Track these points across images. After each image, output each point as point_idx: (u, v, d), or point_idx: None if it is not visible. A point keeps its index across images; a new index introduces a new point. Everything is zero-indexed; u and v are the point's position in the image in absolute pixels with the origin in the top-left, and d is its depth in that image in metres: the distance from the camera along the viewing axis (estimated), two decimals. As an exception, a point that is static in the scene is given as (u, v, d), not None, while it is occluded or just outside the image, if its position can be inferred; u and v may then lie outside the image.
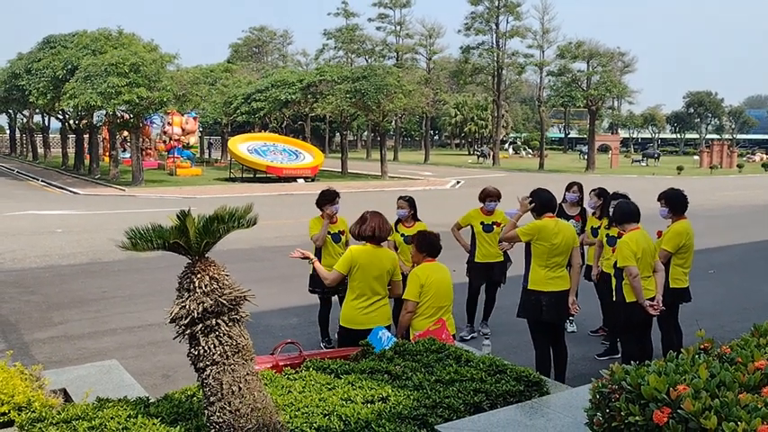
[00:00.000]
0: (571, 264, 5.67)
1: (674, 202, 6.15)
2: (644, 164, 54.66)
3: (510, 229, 5.76)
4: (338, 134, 68.07)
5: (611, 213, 6.66)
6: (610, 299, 5.95)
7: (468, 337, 7.34)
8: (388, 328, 5.03)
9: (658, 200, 6.21)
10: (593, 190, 7.66)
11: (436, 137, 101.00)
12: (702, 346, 3.24)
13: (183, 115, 36.63)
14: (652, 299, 5.54)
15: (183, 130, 37.18)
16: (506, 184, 31.58)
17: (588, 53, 44.00)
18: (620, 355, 6.88)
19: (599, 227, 7.28)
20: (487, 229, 7.46)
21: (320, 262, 6.92)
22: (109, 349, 7.04)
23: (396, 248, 7.07)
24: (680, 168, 42.84)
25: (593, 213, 7.56)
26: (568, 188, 7.83)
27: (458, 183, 33.60)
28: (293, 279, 10.62)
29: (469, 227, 7.56)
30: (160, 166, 37.99)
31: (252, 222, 2.96)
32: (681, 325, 6.40)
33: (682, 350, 3.17)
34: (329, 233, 6.76)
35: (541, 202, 5.65)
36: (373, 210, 5.31)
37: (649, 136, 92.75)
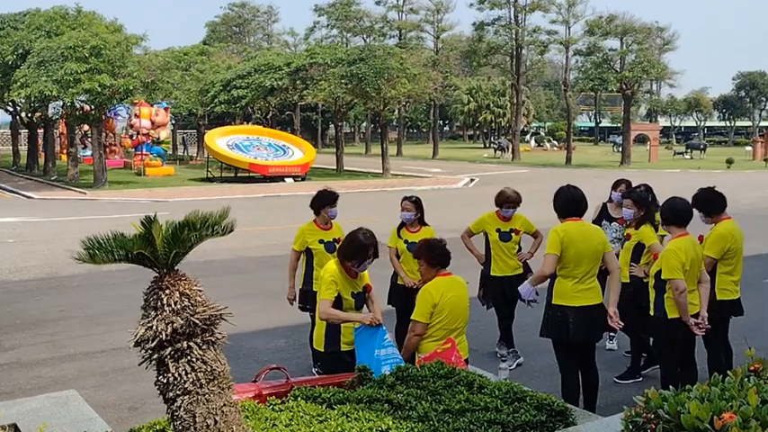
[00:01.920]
0: (608, 269, 5.67)
1: (705, 204, 6.16)
2: (688, 156, 54.65)
3: (539, 278, 5.66)
4: (332, 126, 68.08)
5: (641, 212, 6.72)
6: (648, 313, 5.95)
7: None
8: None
9: (692, 205, 6.19)
10: (638, 186, 7.65)
11: (446, 128, 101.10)
12: (753, 368, 3.24)
13: (152, 106, 36.68)
14: (696, 315, 5.55)
15: (153, 123, 37.24)
16: (528, 182, 31.68)
17: (622, 29, 44.08)
18: (640, 378, 6.91)
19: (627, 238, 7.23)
20: (505, 237, 7.37)
21: (312, 271, 6.93)
22: (67, 378, 7.04)
23: (398, 256, 7.08)
24: (729, 161, 42.80)
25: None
26: (615, 186, 7.86)
27: (471, 181, 33.62)
28: (280, 294, 10.54)
29: (483, 234, 7.52)
30: (126, 165, 38.06)
31: (228, 229, 2.97)
32: (731, 343, 6.40)
33: (728, 373, 3.17)
34: (322, 242, 6.75)
35: (563, 203, 5.65)
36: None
37: (694, 124, 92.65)
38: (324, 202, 6.82)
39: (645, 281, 6.69)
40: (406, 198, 7.17)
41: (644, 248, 6.85)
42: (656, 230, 6.91)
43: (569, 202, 5.65)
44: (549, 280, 5.64)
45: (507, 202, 7.34)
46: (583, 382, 5.76)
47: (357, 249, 5.17)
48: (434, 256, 5.14)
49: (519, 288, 5.84)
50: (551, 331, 5.65)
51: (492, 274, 7.39)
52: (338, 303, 5.11)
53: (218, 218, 2.97)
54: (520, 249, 7.52)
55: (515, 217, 7.45)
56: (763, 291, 10.43)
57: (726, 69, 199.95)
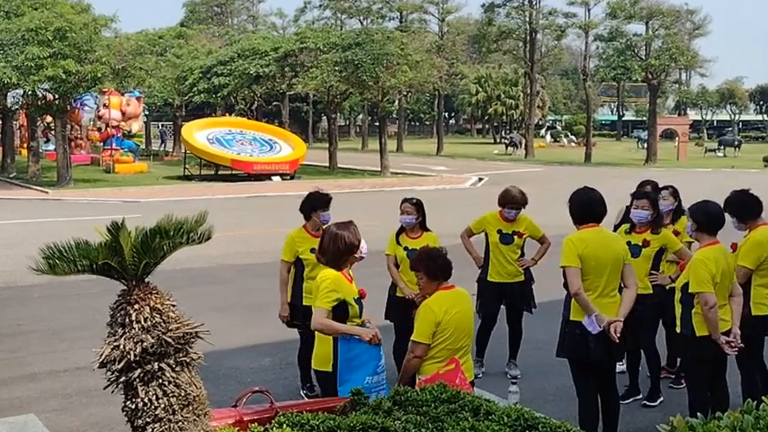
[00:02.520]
0: (625, 285, 5.66)
1: (739, 208, 6.15)
2: (720, 154, 54.76)
3: (584, 304, 5.46)
4: (325, 118, 68.13)
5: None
6: (674, 330, 5.95)
7: (480, 375, 7.33)
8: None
9: (724, 210, 6.19)
10: (665, 188, 7.65)
11: (452, 121, 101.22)
12: (791, 394, 3.24)
13: (123, 95, 36.67)
14: (728, 332, 5.54)
15: (124, 114, 37.20)
16: (543, 182, 31.71)
17: (647, 11, 44.17)
18: (641, 397, 6.92)
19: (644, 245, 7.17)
20: (506, 239, 7.42)
21: (301, 283, 6.93)
22: (26, 400, 7.02)
23: (397, 265, 7.07)
24: (767, 160, 42.85)
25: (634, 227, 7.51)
26: (641, 187, 7.78)
27: (480, 180, 33.66)
28: (264, 307, 10.59)
29: (484, 235, 7.58)
30: (94, 161, 38.05)
31: (205, 237, 2.97)
32: (767, 364, 6.40)
33: (764, 399, 3.17)
34: (314, 250, 6.68)
35: (579, 207, 5.64)
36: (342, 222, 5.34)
37: (727, 118, 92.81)
38: (315, 205, 6.75)
39: (668, 288, 6.72)
40: (406, 200, 7.15)
41: (662, 255, 6.87)
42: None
43: (585, 207, 5.64)
44: (566, 293, 5.64)
45: (511, 202, 7.39)
46: (603, 406, 5.75)
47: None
48: (435, 267, 5.10)
49: (584, 325, 5.48)
50: (569, 350, 5.65)
51: (489, 279, 7.47)
52: (342, 311, 5.06)
53: (194, 223, 2.97)
54: (523, 255, 7.59)
55: (520, 219, 7.50)
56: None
57: (763, 57, 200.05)
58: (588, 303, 5.41)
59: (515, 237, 7.42)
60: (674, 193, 7.57)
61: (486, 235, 7.52)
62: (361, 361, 5.01)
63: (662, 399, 6.91)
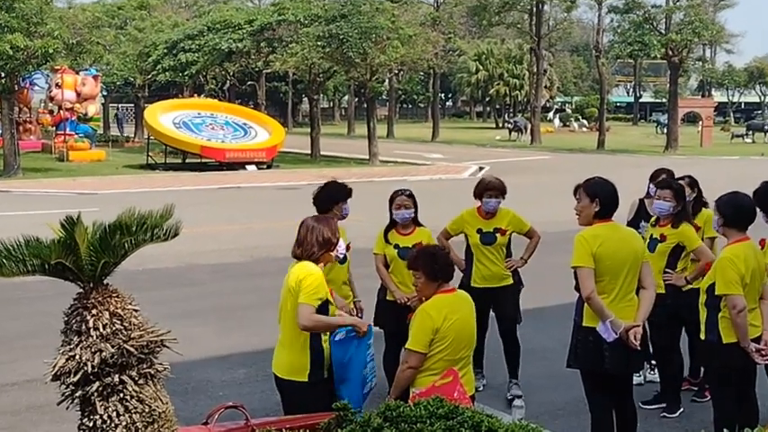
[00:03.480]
0: (643, 286, 5.68)
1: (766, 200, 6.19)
2: (749, 140, 55.02)
3: (599, 309, 5.44)
4: (306, 100, 67.97)
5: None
6: (698, 336, 5.98)
7: (481, 388, 7.30)
8: None
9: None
10: (681, 178, 7.68)
11: (449, 103, 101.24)
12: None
13: (78, 73, 36.50)
14: (758, 338, 5.58)
15: (79, 94, 37.02)
16: (551, 172, 31.81)
17: (668, -20, 44.22)
18: (667, 407, 6.96)
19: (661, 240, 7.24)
20: (487, 239, 7.31)
21: None
22: (-31, 418, 6.99)
23: (386, 265, 7.05)
24: (801, 146, 43.07)
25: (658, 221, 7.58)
26: (654, 177, 7.83)
27: (480, 170, 33.62)
28: (239, 312, 10.62)
29: (464, 238, 7.47)
30: (45, 148, 37.85)
31: (172, 233, 2.96)
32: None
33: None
34: (344, 254, 6.63)
35: (605, 200, 5.56)
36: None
37: (757, 100, 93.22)
38: (337, 197, 6.56)
39: (683, 290, 6.80)
40: (401, 192, 7.05)
41: (681, 252, 6.91)
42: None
43: (610, 199, 5.60)
44: (577, 296, 5.65)
45: (488, 188, 7.27)
46: (618, 422, 5.78)
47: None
48: (437, 267, 5.11)
49: (598, 331, 5.49)
50: (582, 361, 5.66)
51: (472, 284, 7.27)
52: (324, 311, 5.13)
53: (158, 218, 2.96)
54: (510, 254, 7.48)
55: (501, 213, 7.39)
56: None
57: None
58: (603, 308, 5.40)
59: (497, 235, 7.29)
60: (692, 184, 7.59)
61: (466, 236, 7.41)
62: (343, 352, 5.13)
63: (682, 410, 6.94)
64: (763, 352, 5.53)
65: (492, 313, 7.61)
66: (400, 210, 6.96)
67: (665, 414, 6.94)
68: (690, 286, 6.82)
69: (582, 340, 5.61)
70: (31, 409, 7.21)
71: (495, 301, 7.36)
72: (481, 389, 7.27)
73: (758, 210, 6.09)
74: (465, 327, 5.07)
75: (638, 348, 5.45)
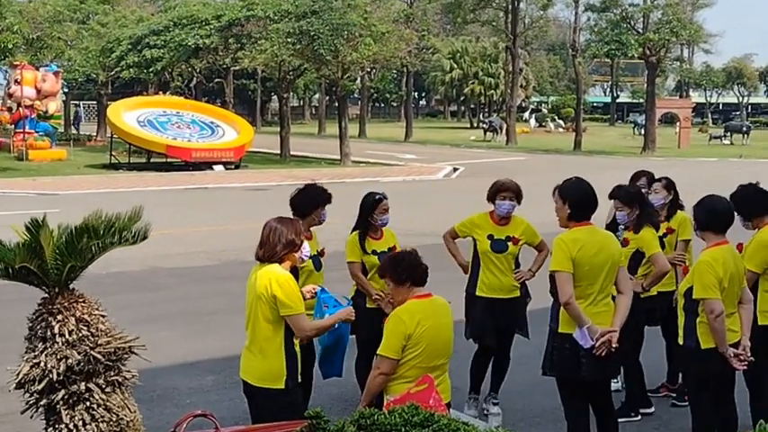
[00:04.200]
0: (620, 291, 5.74)
1: (747, 204, 6.27)
2: (727, 141, 55.57)
3: (576, 315, 5.50)
4: (275, 98, 67.80)
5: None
6: (676, 342, 6.05)
7: (473, 415, 7.03)
8: None
9: None
10: (658, 180, 7.79)
11: (422, 102, 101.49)
12: (808, 414, 3.31)
13: (38, 69, 36.15)
14: (737, 344, 5.63)
15: (39, 91, 36.64)
16: (527, 174, 31.82)
17: (645, -22, 44.62)
18: (637, 417, 7.02)
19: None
20: (498, 246, 7.02)
21: None
22: (-75, 427, 6.92)
23: (365, 272, 6.96)
24: (779, 148, 43.59)
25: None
26: (634, 179, 7.92)
27: (455, 170, 33.80)
28: (206, 316, 10.59)
29: (471, 241, 7.26)
30: (3, 147, 37.49)
31: (141, 236, 2.96)
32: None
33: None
34: (308, 257, 6.60)
35: (573, 201, 5.65)
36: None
37: (735, 101, 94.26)
38: (318, 201, 6.51)
39: (641, 296, 6.86)
40: (383, 197, 6.97)
41: (642, 258, 6.99)
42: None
43: (581, 201, 5.67)
44: (552, 302, 5.69)
45: (503, 189, 7.01)
46: (599, 428, 5.84)
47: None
48: (400, 270, 5.15)
49: (575, 338, 5.53)
50: (558, 367, 5.70)
51: (478, 293, 7.09)
52: None
53: (127, 221, 2.95)
54: (518, 265, 7.28)
55: (516, 221, 7.15)
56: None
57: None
58: (580, 314, 5.45)
59: (509, 243, 7.03)
60: (668, 186, 7.66)
61: (475, 241, 7.14)
62: (345, 333, 5.67)
63: (639, 418, 6.98)
64: (742, 357, 5.59)
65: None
66: (384, 214, 6.93)
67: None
68: (648, 293, 6.91)
69: (558, 347, 5.65)
70: (-9, 419, 7.13)
71: (500, 312, 7.07)
72: (499, 416, 7.07)
73: (735, 213, 6.17)
74: (440, 333, 5.08)
75: (613, 350, 5.49)
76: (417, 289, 5.15)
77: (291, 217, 5.59)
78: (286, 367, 5.17)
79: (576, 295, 5.49)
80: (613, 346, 5.49)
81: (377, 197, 6.97)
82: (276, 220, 5.37)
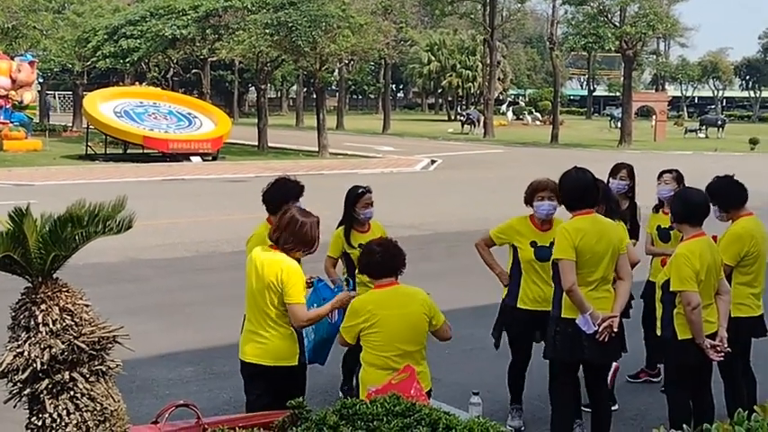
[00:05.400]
0: (620, 277, 5.83)
1: (723, 195, 6.31)
2: (702, 135, 55.98)
3: (578, 301, 5.58)
4: (253, 89, 67.52)
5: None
6: (654, 332, 6.11)
7: (523, 429, 6.76)
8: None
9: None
10: (669, 171, 7.77)
11: (400, 94, 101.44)
12: (784, 402, 3.35)
13: (12, 59, 35.80)
14: (713, 335, 5.69)
15: (14, 81, 36.30)
16: (504, 167, 32.02)
17: (622, -28, 44.81)
18: (614, 406, 6.98)
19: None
20: (543, 254, 6.34)
21: None
22: None
23: (352, 265, 6.86)
24: (754, 141, 43.93)
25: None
26: (614, 172, 7.87)
27: (432, 163, 33.83)
28: (185, 307, 10.57)
29: (509, 248, 6.73)
30: (-22, 137, 37.14)
31: (126, 225, 2.95)
32: (754, 371, 6.60)
33: (755, 408, 3.28)
34: None
35: (573, 191, 5.77)
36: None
37: (710, 94, 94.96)
38: (288, 196, 6.27)
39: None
40: (366, 190, 6.92)
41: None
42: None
43: (581, 190, 5.77)
44: (555, 288, 5.81)
45: (542, 188, 6.39)
46: (594, 417, 5.99)
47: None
48: (375, 263, 5.33)
49: (578, 324, 5.60)
50: (561, 351, 5.78)
51: (519, 305, 6.53)
52: None
53: (110, 210, 2.95)
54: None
55: (556, 223, 6.43)
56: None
57: (750, 26, 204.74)
58: (583, 300, 5.56)
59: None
60: (678, 178, 7.63)
61: (515, 249, 6.57)
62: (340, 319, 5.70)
63: (617, 408, 7.00)
64: (719, 348, 5.65)
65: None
66: (367, 208, 6.90)
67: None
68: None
69: (561, 332, 5.75)
70: (-32, 410, 7.09)
71: (541, 325, 6.34)
72: (523, 430, 6.79)
73: (711, 203, 6.23)
74: (404, 321, 5.18)
75: (614, 332, 5.64)
76: (382, 279, 5.29)
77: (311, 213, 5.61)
78: (298, 346, 5.50)
79: (578, 282, 5.60)
80: (614, 330, 5.63)
81: (359, 191, 6.93)
82: (301, 213, 5.43)
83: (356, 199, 6.90)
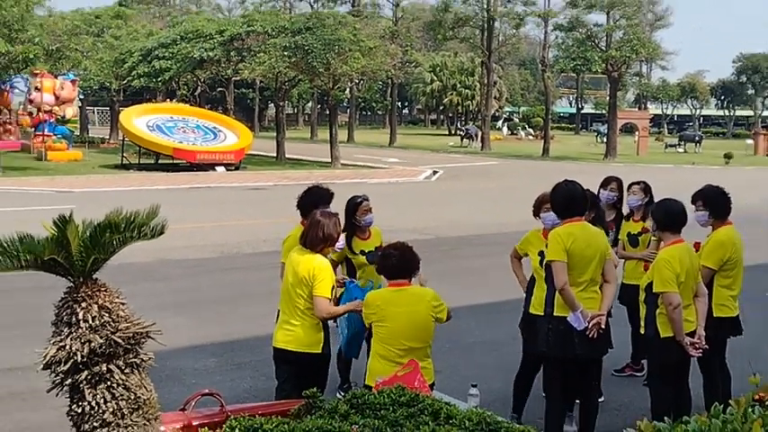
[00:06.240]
0: (606, 280, 5.84)
1: (717, 204, 6.30)
2: (681, 149, 55.86)
3: (569, 299, 5.59)
4: (272, 106, 67.61)
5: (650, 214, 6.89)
6: (638, 330, 6.10)
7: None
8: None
9: (693, 201, 6.34)
10: (637, 183, 7.83)
11: (406, 110, 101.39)
12: (757, 397, 3.34)
13: (56, 78, 35.94)
14: (692, 333, 5.69)
15: (57, 98, 36.45)
16: (500, 177, 32.00)
17: (608, 1, 44.75)
18: (600, 398, 7.02)
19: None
20: None
21: None
22: (-48, 403, 6.88)
23: (354, 270, 6.89)
24: (728, 156, 43.90)
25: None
26: (605, 184, 7.90)
27: (434, 173, 33.81)
28: (210, 304, 10.56)
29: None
30: (24, 148, 37.18)
31: (159, 231, 2.96)
32: (729, 367, 6.57)
33: (730, 401, 3.26)
34: (341, 248, 6.55)
35: (564, 201, 5.78)
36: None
37: (688, 113, 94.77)
38: (318, 201, 6.42)
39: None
40: (364, 198, 6.94)
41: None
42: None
43: (572, 200, 5.78)
44: (547, 288, 5.79)
45: (544, 202, 6.38)
46: (582, 408, 5.98)
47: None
48: (390, 266, 5.34)
49: (569, 321, 5.58)
50: (554, 347, 5.76)
51: (531, 311, 6.33)
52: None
53: (145, 218, 2.95)
54: None
55: None
56: (766, 307, 10.66)
57: (725, 51, 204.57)
58: (574, 299, 5.58)
59: None
60: (646, 189, 7.73)
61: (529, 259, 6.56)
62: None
63: (602, 399, 7.00)
64: (697, 345, 5.64)
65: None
66: (366, 215, 6.88)
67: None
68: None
69: (553, 328, 5.73)
70: (12, 396, 7.10)
71: None
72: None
73: (700, 209, 6.26)
74: (410, 319, 5.20)
75: (601, 329, 5.64)
76: (395, 280, 5.33)
77: (334, 212, 5.79)
78: (324, 336, 5.61)
79: (569, 283, 5.61)
80: (602, 327, 5.63)
81: (358, 200, 6.94)
82: (321, 214, 5.65)
83: (356, 207, 6.88)
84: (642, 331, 5.87)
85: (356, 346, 6.14)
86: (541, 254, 6.30)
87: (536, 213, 6.57)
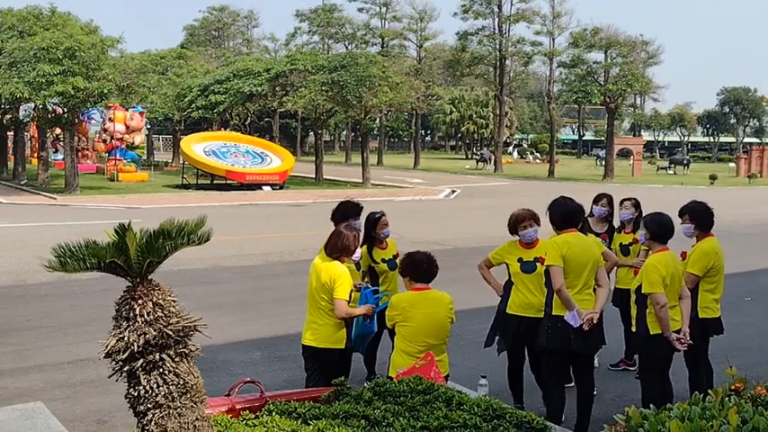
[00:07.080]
0: (599, 284, 5.79)
1: (701, 217, 6.26)
2: (671, 172, 55.32)
3: (565, 299, 5.55)
4: (312, 134, 68.05)
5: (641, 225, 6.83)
6: (630, 328, 6.04)
7: None
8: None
9: (680, 215, 6.34)
10: (629, 199, 7.81)
11: (428, 138, 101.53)
12: (733, 387, 3.29)
13: (127, 110, 36.51)
14: (678, 331, 5.63)
15: (128, 127, 37.05)
16: (510, 195, 31.85)
17: (606, 42, 44.57)
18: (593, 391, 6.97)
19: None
20: (527, 268, 6.29)
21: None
22: (33, 389, 6.94)
23: (376, 277, 6.79)
24: (713, 177, 43.38)
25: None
26: (596, 200, 7.87)
27: (453, 192, 33.75)
28: (255, 306, 10.59)
29: (505, 266, 6.59)
30: (99, 170, 37.78)
31: (205, 238, 2.97)
32: (711, 362, 6.47)
33: (709, 392, 3.21)
34: (358, 260, 6.44)
35: (561, 214, 5.77)
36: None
37: (677, 139, 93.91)
38: (348, 214, 6.49)
39: None
40: (382, 214, 6.89)
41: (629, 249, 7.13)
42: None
43: (567, 214, 5.79)
44: (547, 290, 5.75)
45: (521, 221, 6.32)
46: (579, 397, 5.89)
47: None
48: (421, 272, 5.28)
49: (566, 319, 5.51)
50: (553, 342, 5.72)
51: (508, 311, 6.33)
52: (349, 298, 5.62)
53: (194, 226, 2.97)
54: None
55: (542, 244, 6.29)
56: (743, 310, 10.58)
57: (710, 84, 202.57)
58: (570, 299, 5.54)
59: (538, 263, 6.22)
60: (636, 204, 7.73)
61: (508, 266, 6.45)
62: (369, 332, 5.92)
63: (595, 392, 6.91)
64: (682, 341, 5.60)
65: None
66: (385, 228, 6.85)
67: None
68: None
69: (552, 326, 5.70)
70: (84, 383, 7.16)
71: (525, 329, 6.25)
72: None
73: (687, 222, 6.22)
74: (431, 319, 5.18)
75: (594, 324, 5.59)
76: (419, 284, 5.28)
77: (356, 228, 5.85)
78: (346, 334, 5.61)
79: (566, 285, 5.58)
80: (595, 322, 5.58)
81: (377, 216, 6.88)
82: (345, 227, 5.69)
83: (376, 222, 6.82)
84: (633, 329, 5.81)
85: (361, 344, 6.09)
86: (520, 260, 6.31)
87: (513, 231, 6.39)
